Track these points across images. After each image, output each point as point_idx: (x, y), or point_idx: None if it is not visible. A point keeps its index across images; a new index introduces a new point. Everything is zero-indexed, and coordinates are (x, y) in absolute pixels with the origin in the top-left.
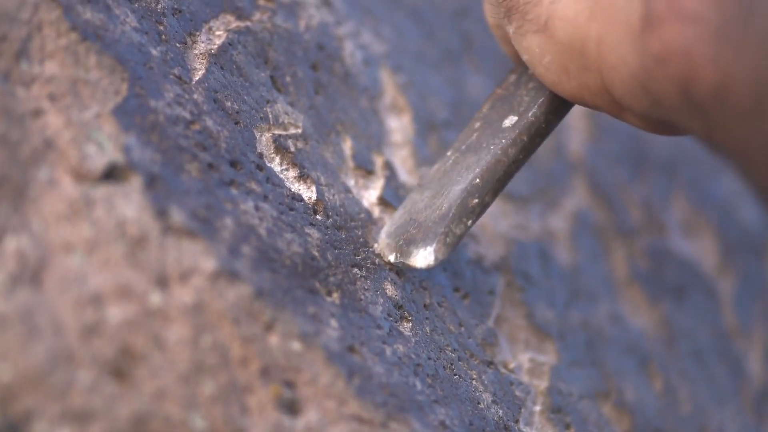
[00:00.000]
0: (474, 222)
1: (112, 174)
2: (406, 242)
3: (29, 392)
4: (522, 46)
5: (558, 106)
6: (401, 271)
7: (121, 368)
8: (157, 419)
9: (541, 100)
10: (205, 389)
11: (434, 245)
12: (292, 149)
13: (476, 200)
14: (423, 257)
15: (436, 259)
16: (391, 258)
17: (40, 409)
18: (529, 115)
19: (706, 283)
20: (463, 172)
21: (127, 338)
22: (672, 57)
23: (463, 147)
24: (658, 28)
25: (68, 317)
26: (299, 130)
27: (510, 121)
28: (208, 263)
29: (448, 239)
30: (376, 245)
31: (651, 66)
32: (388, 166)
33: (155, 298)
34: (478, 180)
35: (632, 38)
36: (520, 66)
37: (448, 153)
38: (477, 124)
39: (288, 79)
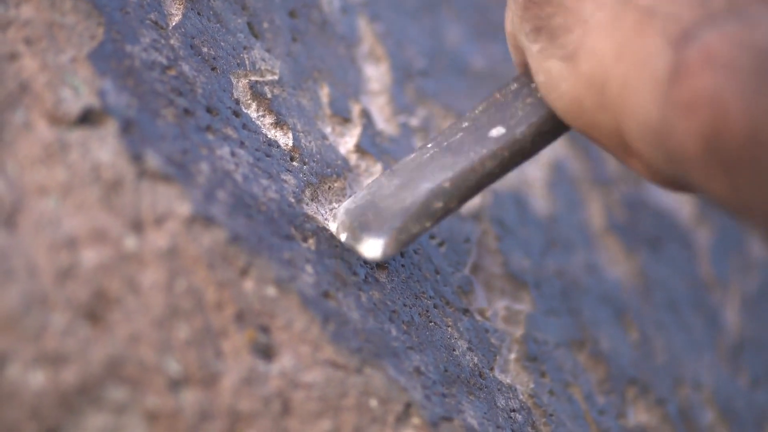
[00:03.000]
0: (433, 225)
1: (87, 118)
2: (360, 226)
3: (3, 335)
4: (541, 67)
5: (549, 130)
6: None
7: (95, 312)
8: (131, 363)
9: (533, 119)
10: (179, 333)
11: (385, 239)
12: (269, 96)
13: (440, 204)
14: (371, 247)
15: (384, 253)
16: (343, 237)
17: (14, 352)
18: (517, 132)
19: (682, 233)
20: (437, 171)
21: (101, 282)
22: (700, 106)
23: (445, 144)
24: (688, 77)
25: (43, 260)
26: (276, 77)
27: (497, 131)
28: (184, 208)
29: (401, 236)
30: (332, 222)
31: (674, 118)
32: (365, 114)
33: (130, 242)
34: (447, 184)
35: (658, 86)
36: (525, 76)
37: (429, 144)
38: (465, 124)
39: (265, 25)
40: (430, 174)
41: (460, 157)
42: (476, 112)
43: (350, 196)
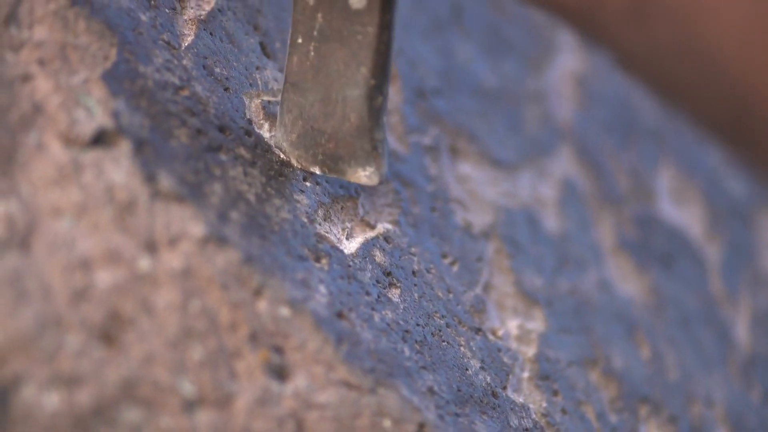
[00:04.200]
0: (386, 115)
1: (101, 139)
2: (329, 158)
3: (18, 356)
4: None
5: None
6: (390, 237)
7: (109, 333)
8: (145, 384)
9: None
10: (193, 354)
11: (373, 166)
12: None
13: (380, 98)
14: (367, 177)
15: (381, 176)
16: (316, 170)
17: (29, 374)
18: None
19: (693, 250)
20: (343, 69)
21: (115, 303)
22: None
23: (316, 33)
24: None
25: (57, 281)
26: None
27: (358, 1)
28: (197, 228)
29: (379, 150)
30: (277, 151)
31: None
32: None
33: (144, 263)
34: (372, 81)
35: None
36: None
37: (298, 39)
38: (311, 1)
39: (278, 45)
40: (340, 75)
41: (353, 44)
42: None
43: (274, 128)
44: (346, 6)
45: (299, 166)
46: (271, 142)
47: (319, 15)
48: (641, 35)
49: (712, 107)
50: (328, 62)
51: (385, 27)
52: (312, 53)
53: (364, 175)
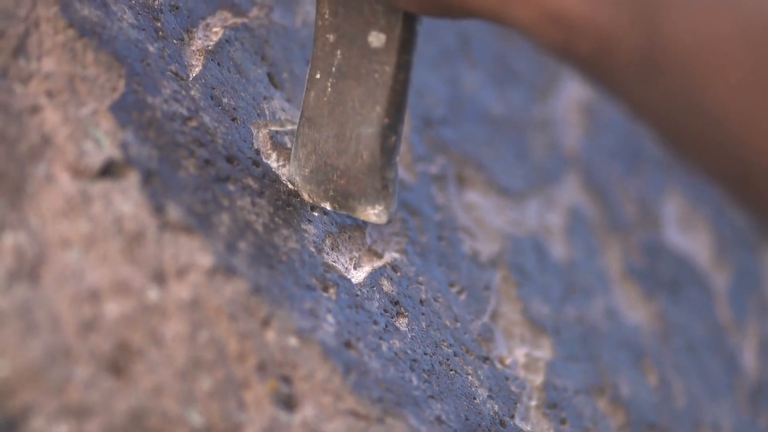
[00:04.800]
0: (398, 155)
1: (109, 170)
2: (340, 194)
3: (27, 388)
4: None
5: (413, 14)
6: (397, 266)
7: (118, 364)
8: (154, 414)
9: (398, 13)
10: (202, 385)
11: (382, 205)
12: (289, 145)
13: (393, 137)
14: (376, 215)
15: (390, 214)
16: (327, 206)
17: (38, 405)
18: (398, 32)
19: (700, 277)
20: (359, 107)
21: (124, 334)
22: (549, 22)
23: (334, 70)
24: None
25: (66, 313)
26: (296, 127)
27: (377, 39)
28: (205, 259)
29: (390, 190)
30: (290, 185)
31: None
32: None
33: (152, 294)
34: (386, 119)
35: None
36: None
37: (317, 75)
38: (331, 37)
39: (285, 75)
40: (355, 112)
41: (369, 83)
42: (328, 18)
43: (282, 158)
44: (366, 44)
45: (310, 201)
46: (279, 172)
47: (339, 52)
48: (651, 87)
49: (716, 163)
50: (345, 99)
51: (403, 67)
52: (329, 89)
53: (372, 214)
